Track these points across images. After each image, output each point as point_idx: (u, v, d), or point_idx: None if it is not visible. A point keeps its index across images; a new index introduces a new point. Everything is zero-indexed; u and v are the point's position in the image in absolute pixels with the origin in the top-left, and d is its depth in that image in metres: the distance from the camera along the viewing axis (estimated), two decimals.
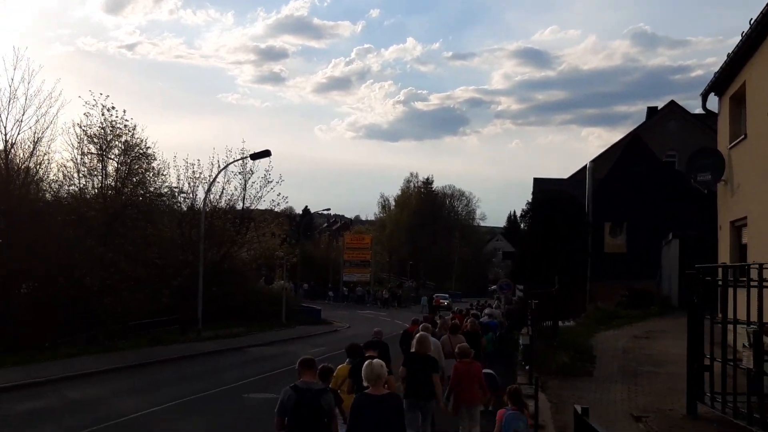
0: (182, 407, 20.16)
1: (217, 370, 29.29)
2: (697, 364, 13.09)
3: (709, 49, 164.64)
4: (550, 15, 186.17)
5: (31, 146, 38.11)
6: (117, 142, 41.81)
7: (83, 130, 41.17)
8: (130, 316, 40.04)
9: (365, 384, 8.90)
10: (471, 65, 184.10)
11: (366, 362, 9.20)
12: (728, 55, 20.73)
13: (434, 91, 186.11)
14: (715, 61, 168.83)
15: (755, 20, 17.94)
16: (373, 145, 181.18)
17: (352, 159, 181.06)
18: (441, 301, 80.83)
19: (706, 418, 13.81)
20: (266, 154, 44.87)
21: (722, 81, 22.17)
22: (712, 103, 23.83)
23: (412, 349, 13.25)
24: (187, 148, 77.25)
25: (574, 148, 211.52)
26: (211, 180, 47.76)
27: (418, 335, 13.95)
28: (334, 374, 11.52)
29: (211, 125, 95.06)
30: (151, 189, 44.27)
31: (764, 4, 17.09)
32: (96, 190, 42.28)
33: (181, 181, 48.47)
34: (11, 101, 37.64)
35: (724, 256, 22.71)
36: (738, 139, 20.99)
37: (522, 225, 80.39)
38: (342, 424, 10.26)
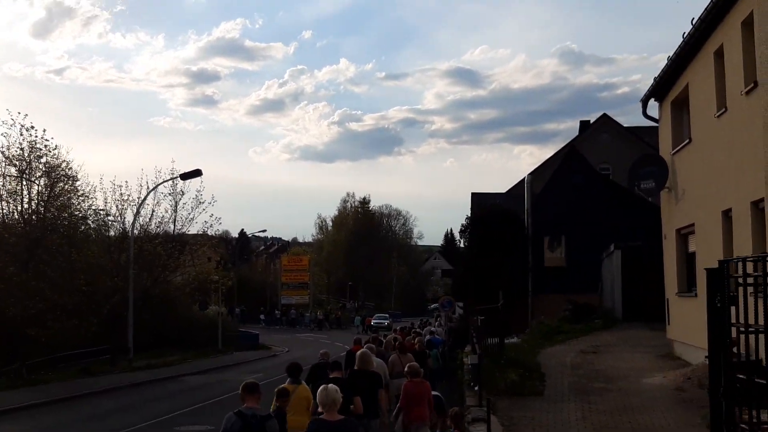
0: None
1: (148, 401, 27.87)
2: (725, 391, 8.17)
3: (635, 66, 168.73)
4: (480, 35, 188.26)
5: None
6: (38, 163, 40.46)
7: (1, 151, 39.91)
8: (57, 347, 38.46)
9: (320, 409, 8.56)
10: (404, 85, 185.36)
11: (321, 387, 8.76)
12: (669, 59, 20.18)
13: (368, 111, 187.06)
14: (641, 78, 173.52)
15: (699, 18, 17.32)
16: (308, 167, 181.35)
17: (288, 181, 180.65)
18: (371, 321, 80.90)
19: None
20: (197, 173, 43.83)
21: (663, 85, 21.64)
22: (653, 109, 23.14)
23: (356, 366, 13.16)
24: (118, 172, 75.51)
25: (507, 166, 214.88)
26: (140, 202, 46.08)
27: (359, 352, 14.00)
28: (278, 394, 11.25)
29: (142, 149, 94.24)
30: (76, 213, 43.23)
31: (697, 14, 16.47)
32: (17, 215, 40.78)
33: (109, 204, 46.70)
34: None
35: (670, 265, 22.09)
36: (682, 144, 20.42)
37: (462, 241, 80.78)
38: None
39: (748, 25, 14.92)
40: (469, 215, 47.60)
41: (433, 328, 40.64)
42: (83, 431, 20.45)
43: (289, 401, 11.34)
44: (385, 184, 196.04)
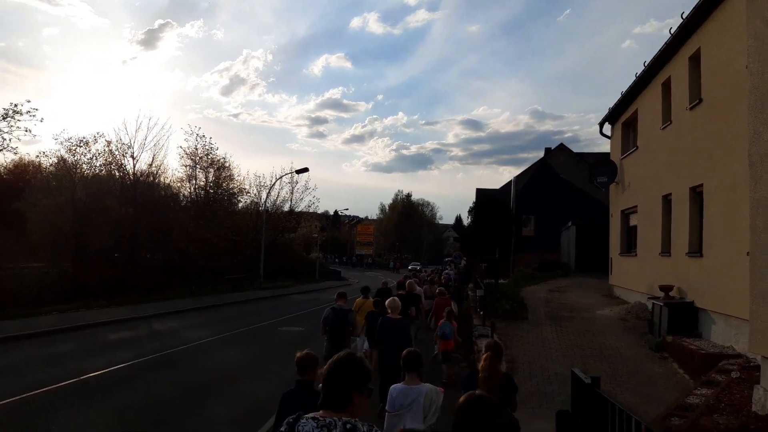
0: (233, 338, 16.97)
1: (266, 309, 26.04)
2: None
3: (575, 120, 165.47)
4: (483, 99, 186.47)
5: (151, 159, 35.99)
6: (206, 158, 39.70)
7: (183, 149, 39.84)
8: (216, 274, 37.07)
9: (389, 311, 8.55)
10: (435, 128, 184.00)
11: (390, 298, 8.94)
12: (621, 93, 17.57)
13: (413, 143, 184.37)
14: (580, 128, 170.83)
15: (648, 63, 14.80)
16: (376, 175, 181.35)
17: (364, 182, 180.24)
18: (400, 264, 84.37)
19: None
20: (305, 170, 42.33)
21: (615, 113, 18.97)
22: (607, 130, 20.34)
23: (406, 290, 13.59)
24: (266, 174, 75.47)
25: (494, 178, 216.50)
26: (270, 186, 45.84)
27: (408, 282, 15.00)
28: (356, 303, 11.98)
29: (281, 162, 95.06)
30: (231, 190, 42.46)
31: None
32: (190, 190, 40.32)
33: (252, 187, 46.72)
34: (137, 131, 36.09)
35: (615, 235, 19.45)
36: (630, 151, 17.72)
37: (468, 218, 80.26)
38: (362, 337, 10.99)
39: (694, 59, 12.40)
40: (474, 202, 45.87)
41: (448, 271, 38.72)
42: (218, 328, 18.52)
43: (356, 306, 11.75)
44: (421, 186, 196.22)
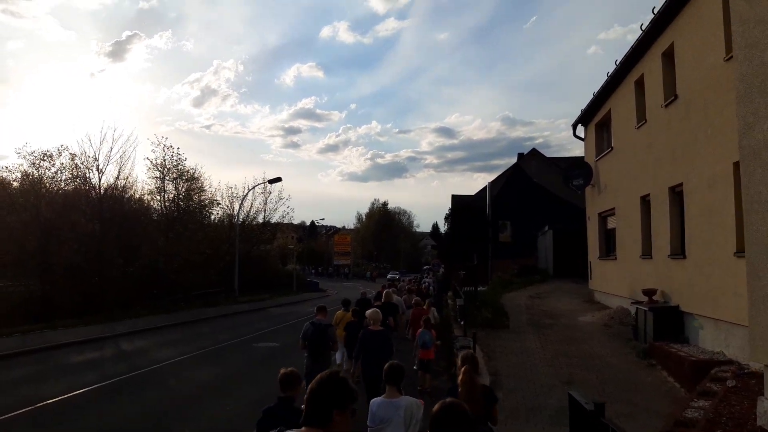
0: (205, 356, 16.06)
1: (241, 324, 25.06)
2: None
3: (546, 126, 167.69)
4: (455, 106, 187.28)
5: (117, 172, 34.84)
6: (174, 169, 38.68)
7: (150, 161, 38.60)
8: (188, 288, 35.85)
9: (370, 323, 8.46)
10: (409, 137, 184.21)
11: (371, 309, 8.98)
12: (594, 94, 17.36)
13: (388, 151, 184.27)
14: (550, 134, 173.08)
15: (620, 61, 14.52)
16: (352, 185, 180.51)
17: (340, 192, 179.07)
18: (376, 274, 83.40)
19: None
20: (278, 180, 41.33)
21: (588, 114, 18.70)
22: (580, 131, 20.06)
23: (383, 300, 13.50)
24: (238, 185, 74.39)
25: (468, 185, 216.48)
26: (243, 196, 44.75)
27: (385, 292, 14.72)
28: (336, 316, 11.89)
29: (255, 173, 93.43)
30: (201, 202, 41.36)
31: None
32: (161, 203, 39.09)
33: (224, 198, 45.73)
34: (102, 143, 35.03)
35: (593, 238, 19.09)
36: (604, 153, 17.39)
37: (445, 225, 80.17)
38: (341, 347, 10.99)
39: (667, 55, 12.07)
40: (450, 209, 45.46)
41: (427, 279, 38.21)
42: (190, 346, 17.63)
43: (335, 320, 11.58)
44: (398, 195, 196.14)
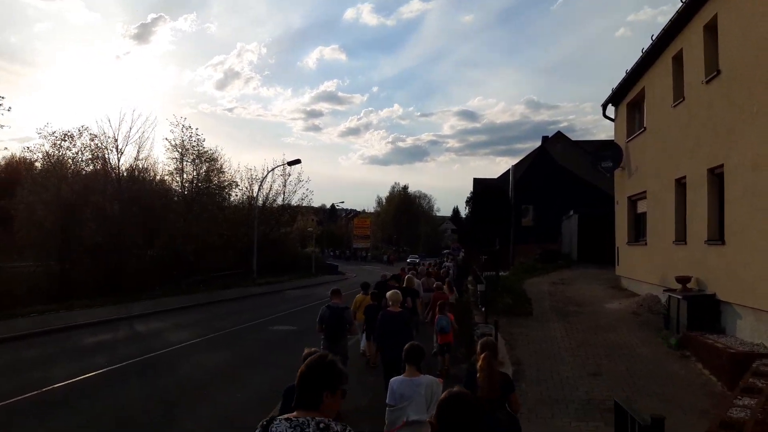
0: (219, 339, 15.76)
1: (259, 306, 24.88)
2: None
3: (570, 109, 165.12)
4: (478, 89, 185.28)
5: (136, 152, 34.79)
6: (192, 150, 38.45)
7: (169, 141, 38.58)
8: (207, 270, 35.94)
9: (389, 303, 8.25)
10: (431, 120, 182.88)
11: (392, 290, 8.77)
12: (626, 72, 16.48)
13: (409, 135, 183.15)
14: (575, 118, 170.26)
15: (657, 35, 13.67)
16: (373, 168, 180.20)
17: (360, 175, 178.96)
18: (393, 258, 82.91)
19: None
20: (298, 161, 40.78)
21: (619, 93, 17.84)
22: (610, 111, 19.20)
23: (404, 284, 13.02)
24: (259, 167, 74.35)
25: (491, 169, 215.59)
26: (262, 178, 44.28)
27: (407, 276, 14.38)
28: (356, 299, 12.04)
29: (276, 156, 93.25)
30: (221, 183, 41.16)
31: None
32: (179, 185, 38.93)
33: (243, 180, 45.49)
34: (121, 123, 34.97)
35: (622, 223, 18.32)
36: (636, 133, 16.58)
37: (466, 210, 79.40)
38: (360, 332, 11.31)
39: (710, 28, 11.27)
40: (472, 192, 44.70)
41: (447, 264, 37.73)
42: (205, 328, 17.42)
43: (354, 303, 11.68)
44: (418, 178, 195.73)
